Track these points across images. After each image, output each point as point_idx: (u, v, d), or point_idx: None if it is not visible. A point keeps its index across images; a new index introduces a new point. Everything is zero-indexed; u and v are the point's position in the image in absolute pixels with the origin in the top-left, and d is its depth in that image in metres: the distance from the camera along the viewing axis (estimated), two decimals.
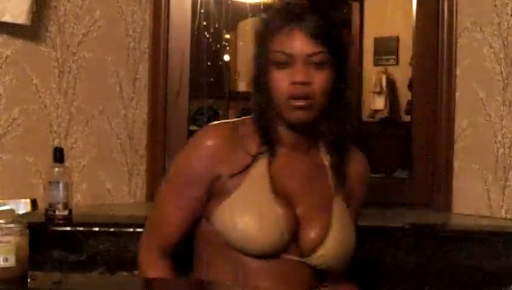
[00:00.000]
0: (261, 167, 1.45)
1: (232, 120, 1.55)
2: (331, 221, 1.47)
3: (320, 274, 1.48)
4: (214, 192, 1.46)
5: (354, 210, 1.59)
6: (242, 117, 1.55)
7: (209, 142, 1.46)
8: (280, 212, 1.42)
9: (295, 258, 1.45)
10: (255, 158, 1.45)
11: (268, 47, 1.43)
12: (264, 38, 1.45)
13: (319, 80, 1.41)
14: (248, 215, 1.41)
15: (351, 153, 1.56)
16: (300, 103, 1.41)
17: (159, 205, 1.55)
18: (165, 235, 1.50)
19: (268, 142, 1.46)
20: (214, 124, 1.55)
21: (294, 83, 1.40)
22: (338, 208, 1.50)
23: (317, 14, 1.43)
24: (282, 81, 1.41)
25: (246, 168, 1.45)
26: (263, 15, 1.52)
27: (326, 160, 1.52)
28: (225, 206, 1.43)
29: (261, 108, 1.46)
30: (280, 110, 1.44)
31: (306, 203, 1.47)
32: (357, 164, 1.58)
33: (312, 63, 1.40)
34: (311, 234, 1.46)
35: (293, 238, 1.44)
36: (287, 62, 1.41)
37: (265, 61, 1.44)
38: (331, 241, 1.46)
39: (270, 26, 1.44)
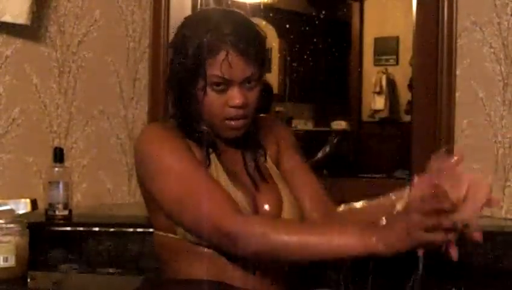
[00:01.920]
0: (214, 160, 1.47)
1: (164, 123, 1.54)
2: (279, 188, 1.52)
3: None
4: None
5: (294, 159, 1.62)
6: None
7: (170, 129, 1.47)
8: (241, 195, 1.44)
9: None
10: (208, 154, 1.47)
11: (201, 69, 1.41)
12: (196, 59, 1.41)
13: (252, 98, 1.45)
14: None
15: (264, 126, 1.60)
16: (239, 123, 1.45)
17: (195, 194, 1.38)
18: (226, 201, 1.37)
19: (210, 145, 1.49)
20: (153, 123, 1.55)
21: (232, 107, 1.42)
22: (275, 174, 1.55)
23: (247, 30, 1.44)
24: (218, 103, 1.43)
25: (205, 159, 1.46)
26: (190, 29, 1.45)
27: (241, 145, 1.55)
28: None
29: (192, 122, 1.47)
30: (213, 128, 1.47)
31: (248, 183, 1.50)
32: (271, 131, 1.62)
33: (247, 84, 1.43)
34: (268, 208, 1.49)
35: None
36: (224, 86, 1.42)
37: (196, 82, 1.43)
38: (287, 207, 1.50)
39: (203, 47, 1.41)
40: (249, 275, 1.45)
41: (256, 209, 1.48)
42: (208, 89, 1.42)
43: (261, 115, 1.60)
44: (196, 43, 1.41)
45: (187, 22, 1.49)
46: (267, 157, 1.56)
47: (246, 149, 1.54)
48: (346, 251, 1.26)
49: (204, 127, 1.48)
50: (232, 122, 1.44)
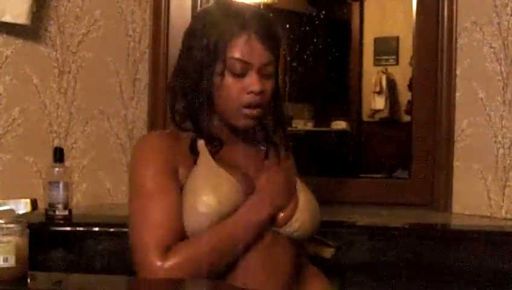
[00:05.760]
0: (203, 154, 1.45)
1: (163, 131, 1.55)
2: (296, 191, 1.52)
3: (293, 245, 1.51)
4: None
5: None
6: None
7: (162, 139, 1.46)
8: (232, 178, 1.43)
9: (273, 229, 1.47)
10: (195, 150, 1.46)
11: (221, 52, 1.42)
12: (216, 41, 1.42)
13: (268, 88, 1.46)
14: (203, 195, 1.39)
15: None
16: (254, 113, 1.44)
17: (142, 219, 1.40)
18: (167, 240, 1.38)
19: (210, 140, 1.47)
20: (152, 131, 1.56)
21: (250, 93, 1.42)
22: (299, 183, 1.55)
23: (268, 20, 1.47)
24: (236, 89, 1.43)
25: (191, 164, 1.44)
26: (209, 15, 1.47)
27: (261, 145, 1.56)
28: (182, 198, 1.41)
29: (204, 111, 1.46)
30: (227, 115, 1.46)
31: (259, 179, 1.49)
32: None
33: (264, 72, 1.44)
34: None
35: None
36: (243, 70, 1.42)
37: (214, 64, 1.43)
38: (302, 208, 1.50)
39: (224, 30, 1.42)
40: (261, 253, 1.44)
41: None
42: (226, 73, 1.42)
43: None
44: (218, 27, 1.42)
45: (207, 10, 1.52)
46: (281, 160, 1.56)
47: (255, 150, 1.55)
48: (247, 227, 1.40)
49: (217, 125, 1.48)
50: (247, 111, 1.44)
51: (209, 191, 1.39)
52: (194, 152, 1.46)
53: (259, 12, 1.47)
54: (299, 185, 1.54)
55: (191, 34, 1.48)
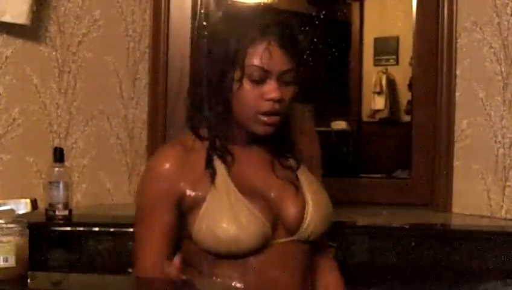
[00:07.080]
0: (220, 172, 1.46)
1: (178, 139, 1.54)
2: (304, 191, 1.50)
3: (310, 244, 1.52)
4: (184, 210, 1.46)
5: (318, 168, 1.63)
6: (182, 135, 1.55)
7: (164, 166, 1.46)
8: (252, 206, 1.43)
9: (287, 239, 1.48)
10: (212, 167, 1.46)
11: (240, 58, 1.40)
12: (236, 47, 1.40)
13: (287, 96, 1.43)
14: (223, 221, 1.41)
15: (294, 121, 1.56)
16: (272, 120, 1.42)
17: (138, 244, 1.51)
18: (154, 267, 1.47)
19: (222, 149, 1.48)
20: (164, 148, 1.57)
21: (269, 100, 1.40)
22: (304, 178, 1.53)
23: (289, 26, 1.44)
24: (253, 96, 1.41)
25: (207, 178, 1.45)
26: (229, 21, 1.46)
27: (272, 143, 1.54)
28: (200, 221, 1.43)
29: (221, 117, 1.46)
30: (245, 122, 1.45)
31: (274, 185, 1.49)
32: (301, 128, 1.60)
33: (283, 79, 1.42)
34: (291, 210, 1.48)
35: (276, 223, 1.46)
36: (262, 77, 1.40)
37: (233, 71, 1.41)
38: (312, 209, 1.49)
39: (244, 36, 1.40)
40: (276, 263, 1.46)
41: (274, 216, 1.47)
42: (244, 80, 1.40)
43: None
44: (238, 32, 1.40)
45: (228, 14, 1.50)
46: (300, 162, 1.55)
47: (273, 153, 1.53)
48: None
49: (235, 129, 1.47)
50: (266, 118, 1.42)
51: (228, 220, 1.41)
52: (212, 170, 1.46)
53: (280, 18, 1.44)
54: (302, 177, 1.53)
55: (210, 38, 1.48)
